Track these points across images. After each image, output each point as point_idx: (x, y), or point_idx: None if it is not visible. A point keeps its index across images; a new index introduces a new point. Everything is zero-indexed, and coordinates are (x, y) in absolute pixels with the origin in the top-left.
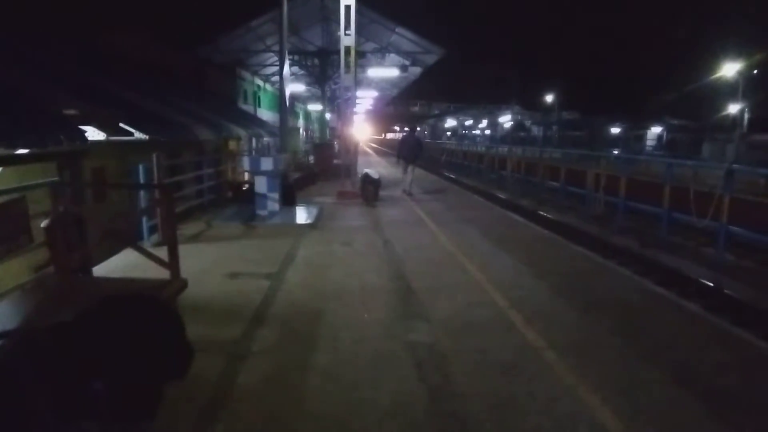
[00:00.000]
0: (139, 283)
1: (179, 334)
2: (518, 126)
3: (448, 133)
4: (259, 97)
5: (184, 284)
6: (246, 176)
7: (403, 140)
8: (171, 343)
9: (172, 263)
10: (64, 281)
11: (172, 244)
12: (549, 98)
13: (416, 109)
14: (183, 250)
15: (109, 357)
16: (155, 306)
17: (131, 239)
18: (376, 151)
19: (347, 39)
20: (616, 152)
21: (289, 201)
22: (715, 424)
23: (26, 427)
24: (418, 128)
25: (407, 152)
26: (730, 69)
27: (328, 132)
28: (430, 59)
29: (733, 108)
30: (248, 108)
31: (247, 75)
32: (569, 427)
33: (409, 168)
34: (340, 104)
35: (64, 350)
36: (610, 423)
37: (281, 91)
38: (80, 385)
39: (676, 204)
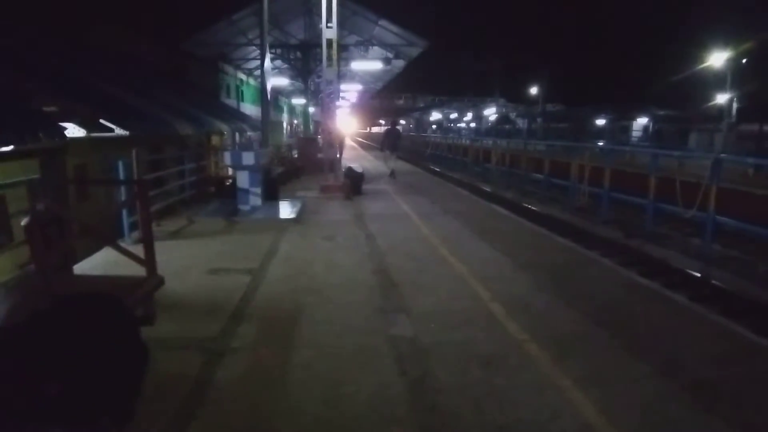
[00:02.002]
0: (114, 280)
1: (133, 334)
2: (503, 119)
3: (434, 126)
4: (242, 92)
5: (160, 281)
6: (229, 171)
7: (386, 132)
8: (124, 344)
9: (148, 260)
10: (42, 279)
11: (148, 240)
12: (533, 90)
13: (401, 102)
14: (164, 246)
15: (58, 359)
16: (108, 305)
17: (110, 236)
18: (362, 145)
19: (329, 32)
20: (600, 143)
21: (271, 196)
22: (701, 417)
23: None
24: (401, 123)
25: (389, 142)
26: (718, 58)
27: (312, 126)
28: (414, 52)
29: (722, 98)
30: (231, 102)
31: (229, 69)
32: (551, 420)
33: (392, 155)
34: (323, 98)
35: (15, 352)
36: (594, 416)
37: (263, 84)
38: (31, 387)
39: (662, 195)
